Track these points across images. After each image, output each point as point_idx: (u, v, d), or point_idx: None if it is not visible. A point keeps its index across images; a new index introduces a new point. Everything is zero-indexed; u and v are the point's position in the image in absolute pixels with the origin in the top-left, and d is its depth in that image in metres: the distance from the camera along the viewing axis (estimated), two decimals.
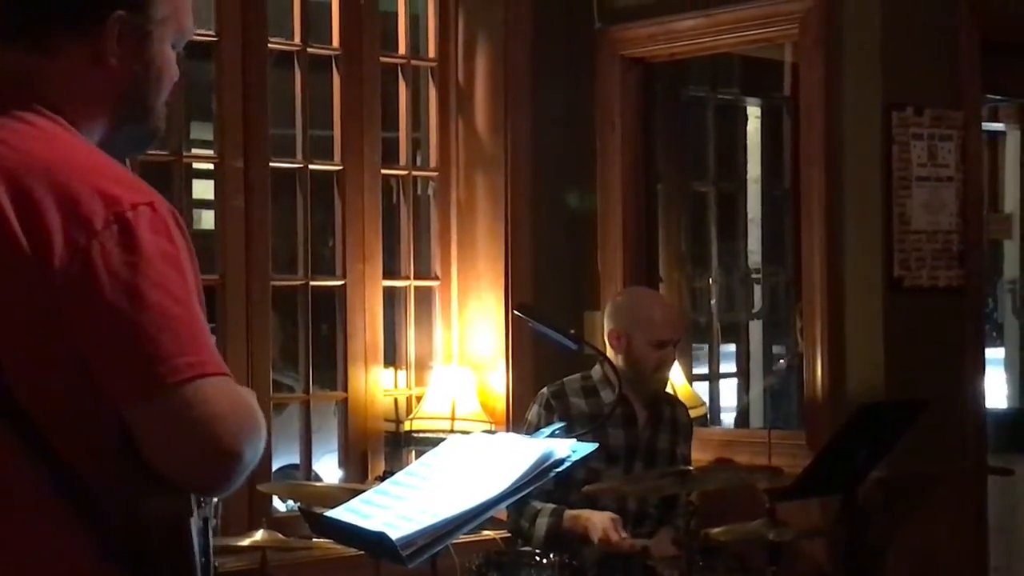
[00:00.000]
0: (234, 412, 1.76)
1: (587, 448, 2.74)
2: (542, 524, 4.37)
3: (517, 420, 5.07)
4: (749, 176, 7.37)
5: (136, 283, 1.74)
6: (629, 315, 4.58)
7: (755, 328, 7.37)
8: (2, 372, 1.76)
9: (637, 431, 4.57)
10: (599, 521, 4.31)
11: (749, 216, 7.33)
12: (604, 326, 4.62)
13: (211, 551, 1.96)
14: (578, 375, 4.62)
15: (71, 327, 1.75)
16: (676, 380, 5.47)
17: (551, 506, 4.38)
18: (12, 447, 1.76)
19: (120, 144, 1.95)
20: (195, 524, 1.86)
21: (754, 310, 7.33)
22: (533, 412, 4.57)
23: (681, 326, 4.74)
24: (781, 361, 6.50)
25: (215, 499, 2.04)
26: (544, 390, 4.62)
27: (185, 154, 4.90)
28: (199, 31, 4.92)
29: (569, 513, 4.39)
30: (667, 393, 4.85)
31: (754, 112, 7.44)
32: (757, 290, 7.42)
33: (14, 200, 1.77)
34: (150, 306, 1.74)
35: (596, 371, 4.61)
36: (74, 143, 1.86)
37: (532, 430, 4.40)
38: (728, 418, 7.00)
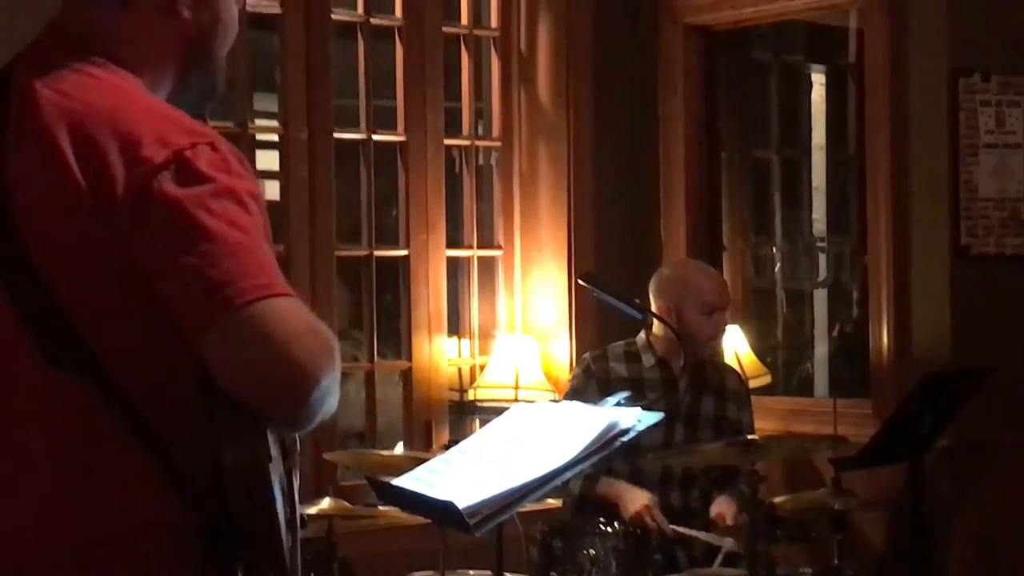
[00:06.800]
0: (308, 332, 1.74)
1: (653, 417, 2.74)
2: (575, 484, 4.36)
3: None
4: (813, 143, 7.33)
5: (194, 214, 1.74)
6: (676, 287, 4.55)
7: (819, 297, 7.34)
8: (76, 322, 1.78)
9: (677, 396, 4.54)
10: (637, 499, 4.28)
11: (813, 184, 7.29)
12: (652, 304, 4.57)
13: (297, 502, 1.93)
14: (622, 341, 4.62)
15: (138, 267, 1.77)
16: (740, 349, 5.46)
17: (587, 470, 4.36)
18: (89, 397, 1.78)
19: (187, 98, 1.97)
20: (276, 472, 1.82)
21: (818, 279, 7.30)
22: (575, 377, 4.58)
23: (727, 291, 4.72)
24: None
25: (297, 443, 2.00)
26: (586, 355, 4.64)
27: (250, 125, 4.93)
28: (264, 2, 4.95)
29: (605, 480, 4.37)
30: (717, 360, 4.82)
31: (818, 78, 7.40)
32: (822, 259, 7.38)
33: (75, 145, 1.80)
34: (211, 234, 1.74)
35: (640, 337, 4.59)
36: (135, 93, 1.89)
37: (574, 396, 4.40)
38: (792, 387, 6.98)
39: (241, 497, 1.77)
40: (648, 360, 4.54)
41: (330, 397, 1.79)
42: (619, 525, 3.91)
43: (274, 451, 1.85)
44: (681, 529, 4.29)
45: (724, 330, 4.65)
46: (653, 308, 4.54)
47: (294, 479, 1.91)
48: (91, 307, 1.79)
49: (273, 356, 1.72)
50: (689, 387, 4.56)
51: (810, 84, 7.39)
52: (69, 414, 1.80)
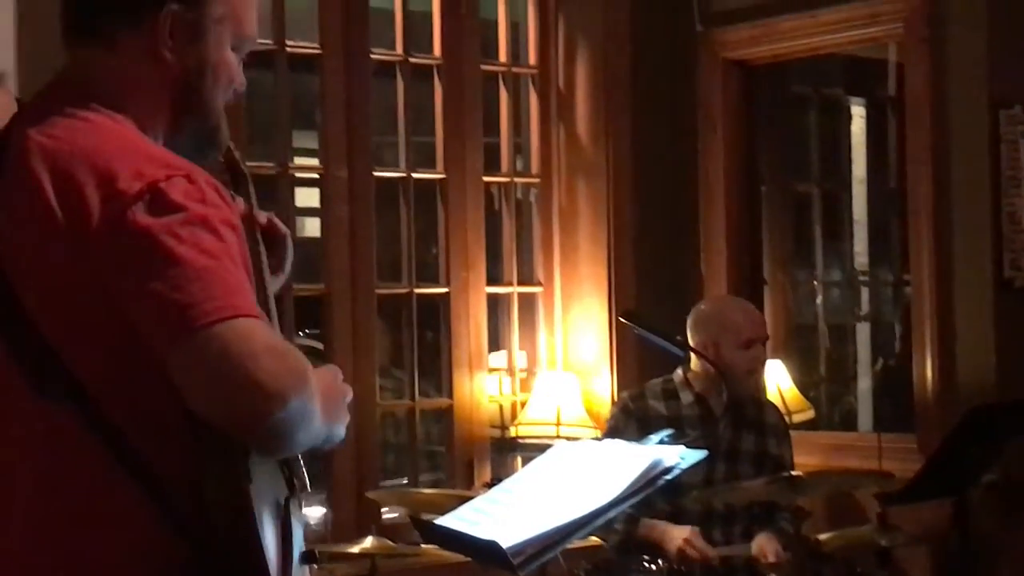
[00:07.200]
0: (272, 352, 1.75)
1: (696, 455, 2.73)
2: (617, 529, 4.34)
3: None
4: (854, 176, 7.31)
5: (164, 241, 1.77)
6: (712, 323, 4.52)
7: (862, 330, 7.30)
8: (61, 353, 1.82)
9: (717, 432, 4.51)
10: (677, 535, 4.27)
11: (855, 217, 7.26)
12: (690, 340, 4.55)
13: (297, 534, 1.94)
14: (660, 379, 4.60)
15: (113, 294, 1.80)
16: (782, 383, 5.44)
17: (627, 512, 4.35)
18: (77, 427, 1.82)
19: (185, 143, 1.99)
20: (266, 501, 1.85)
21: (861, 312, 7.26)
22: (613, 417, 4.55)
23: (764, 324, 4.69)
24: None
25: (305, 478, 2.01)
26: (624, 393, 4.62)
27: (290, 164, 4.96)
28: (304, 43, 4.98)
29: (646, 522, 4.36)
30: (755, 394, 4.79)
31: (858, 111, 7.38)
32: (864, 292, 7.34)
33: (54, 181, 1.84)
34: (178, 259, 1.77)
35: (677, 374, 4.56)
36: (122, 133, 1.92)
37: (613, 435, 4.37)
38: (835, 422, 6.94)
39: (223, 522, 1.80)
40: (686, 397, 4.52)
41: (310, 422, 1.80)
42: (663, 562, 3.89)
43: (270, 481, 1.87)
44: (726, 550, 4.27)
45: (763, 363, 4.62)
46: (691, 344, 4.52)
47: (294, 511, 1.93)
48: (75, 338, 1.82)
49: (232, 375, 1.73)
50: (728, 423, 4.53)
51: (850, 117, 7.37)
52: (57, 443, 1.84)
